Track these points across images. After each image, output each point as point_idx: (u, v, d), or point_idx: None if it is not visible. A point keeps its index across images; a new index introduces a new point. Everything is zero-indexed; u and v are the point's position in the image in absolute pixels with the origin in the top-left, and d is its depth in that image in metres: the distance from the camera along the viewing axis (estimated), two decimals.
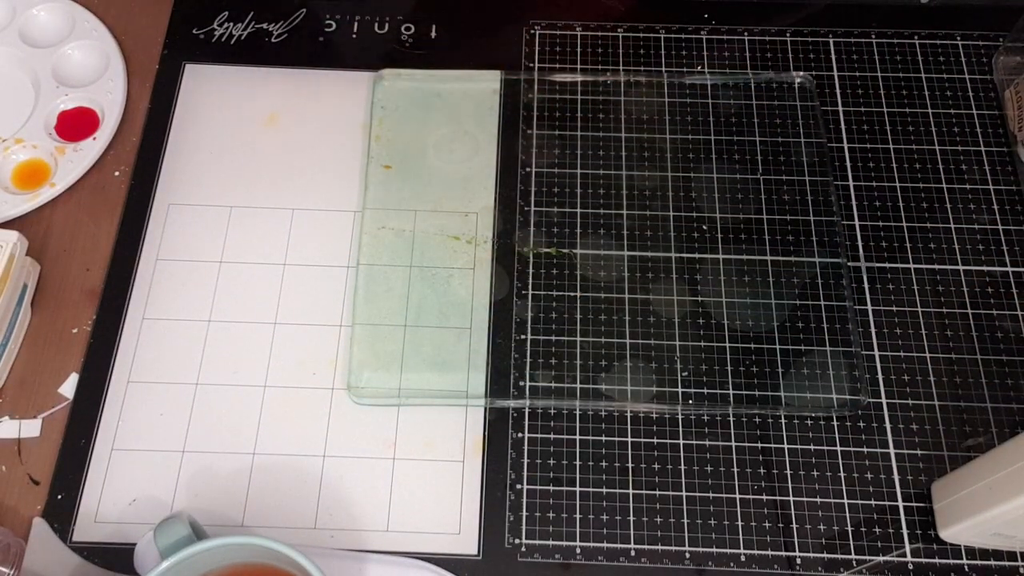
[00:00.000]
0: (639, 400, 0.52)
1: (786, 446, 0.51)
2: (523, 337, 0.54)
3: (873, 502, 0.50)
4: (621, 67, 0.63)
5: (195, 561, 0.42)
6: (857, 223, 0.58)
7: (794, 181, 0.59)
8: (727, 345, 0.54)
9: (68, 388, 0.53)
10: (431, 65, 0.63)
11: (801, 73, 0.62)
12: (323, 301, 0.55)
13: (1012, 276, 0.56)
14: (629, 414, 0.52)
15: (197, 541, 0.42)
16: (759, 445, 0.52)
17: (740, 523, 0.50)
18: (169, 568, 0.41)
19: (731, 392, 0.53)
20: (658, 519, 0.50)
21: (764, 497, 0.50)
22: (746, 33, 0.64)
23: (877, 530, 0.49)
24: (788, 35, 0.64)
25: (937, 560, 0.49)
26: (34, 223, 0.58)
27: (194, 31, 0.65)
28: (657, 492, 0.50)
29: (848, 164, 0.60)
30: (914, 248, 0.57)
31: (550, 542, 0.49)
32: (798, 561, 0.49)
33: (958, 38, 0.64)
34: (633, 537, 0.49)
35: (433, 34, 0.65)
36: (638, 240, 0.57)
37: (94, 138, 0.59)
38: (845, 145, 0.60)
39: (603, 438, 0.52)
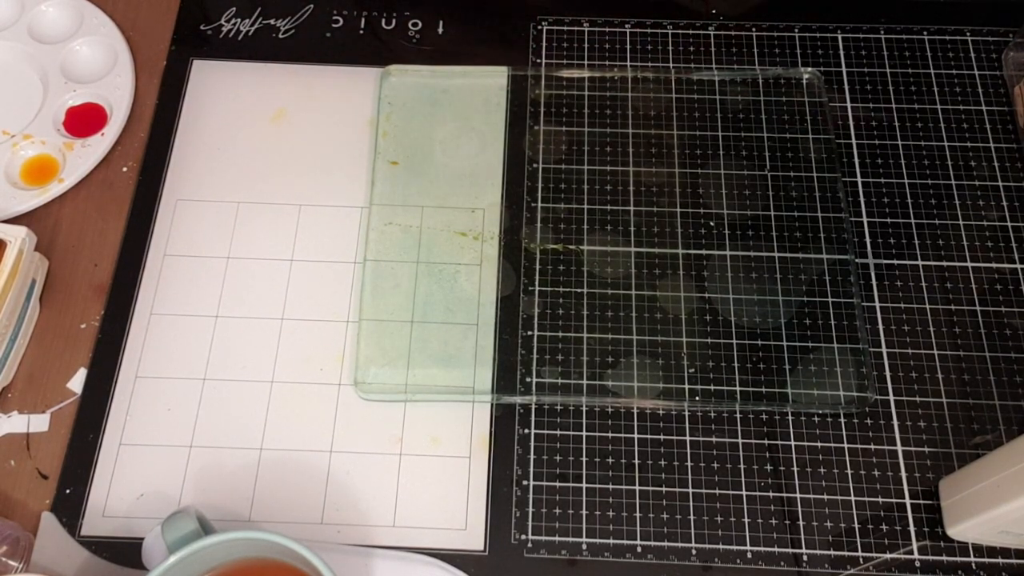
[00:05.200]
0: (646, 396, 0.52)
1: (793, 443, 0.51)
2: (530, 333, 0.54)
3: (880, 499, 0.50)
4: (628, 63, 0.63)
5: (202, 556, 0.42)
6: (865, 219, 0.57)
7: (802, 177, 0.59)
8: (734, 342, 0.54)
9: (76, 383, 0.53)
10: (438, 61, 0.63)
11: (809, 69, 0.62)
12: (330, 297, 0.55)
13: (1021, 273, 0.56)
14: (636, 410, 0.52)
15: (204, 536, 0.42)
16: (766, 442, 0.51)
17: (747, 520, 0.50)
18: (176, 563, 0.41)
19: (738, 389, 0.53)
20: (664, 515, 0.50)
21: (771, 494, 0.50)
22: (754, 29, 0.64)
23: (884, 527, 0.49)
24: (796, 31, 0.64)
25: (944, 558, 0.49)
26: (42, 218, 0.58)
27: (201, 27, 0.65)
28: (663, 488, 0.50)
29: (856, 160, 0.59)
30: (922, 244, 0.57)
31: (556, 538, 0.49)
32: (805, 558, 0.49)
33: (967, 34, 0.64)
34: (639, 533, 0.49)
35: (440, 30, 0.65)
36: (645, 236, 0.57)
37: (102, 134, 0.60)
38: (853, 141, 0.60)
39: (610, 434, 0.52)
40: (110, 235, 0.58)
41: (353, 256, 0.57)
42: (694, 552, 0.49)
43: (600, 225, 0.57)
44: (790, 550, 0.49)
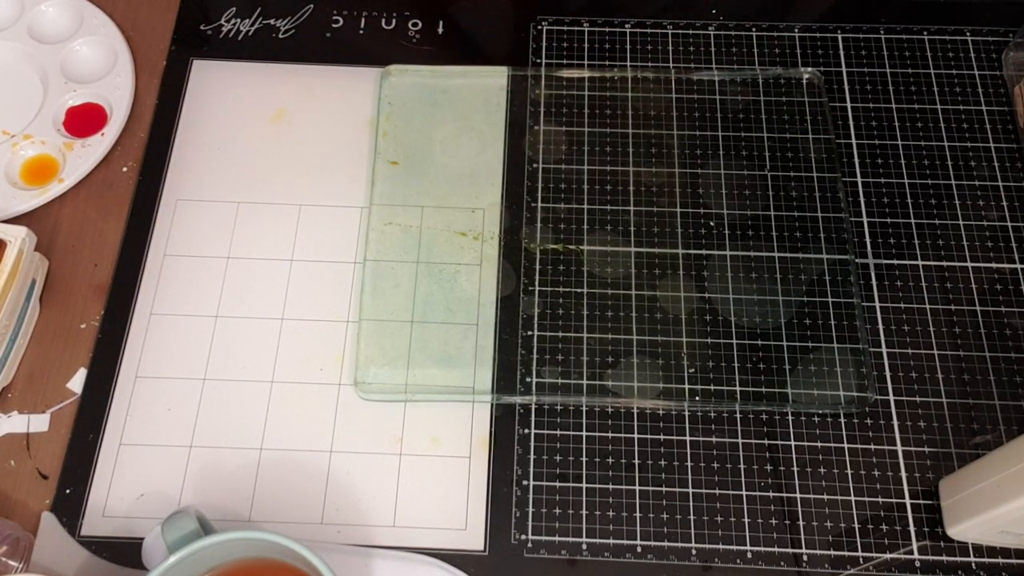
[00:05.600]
0: (646, 396, 0.52)
1: (793, 443, 0.51)
2: (530, 333, 0.54)
3: (880, 499, 0.50)
4: (628, 63, 0.63)
5: (203, 556, 0.42)
6: (865, 219, 0.57)
7: (802, 177, 0.59)
8: (734, 341, 0.54)
9: (76, 383, 0.53)
10: (438, 61, 0.63)
11: (809, 69, 0.62)
12: (330, 297, 0.55)
13: (1021, 273, 0.56)
14: (636, 410, 0.52)
15: (205, 536, 0.42)
16: (766, 442, 0.51)
17: (747, 520, 0.50)
18: (177, 563, 0.41)
19: (738, 389, 0.53)
20: (664, 515, 0.50)
21: (771, 494, 0.50)
22: (754, 29, 0.64)
23: (884, 527, 0.49)
24: (796, 31, 0.64)
25: (944, 558, 0.49)
26: (42, 218, 0.58)
27: (201, 27, 0.65)
28: (663, 488, 0.50)
29: (856, 160, 0.59)
30: (922, 244, 0.57)
31: (556, 538, 0.49)
32: (805, 558, 0.49)
33: (967, 34, 0.64)
34: (639, 533, 0.49)
35: (440, 30, 0.65)
36: (645, 236, 0.57)
37: (102, 134, 0.60)
38: (853, 141, 0.60)
39: (610, 434, 0.52)
40: (110, 235, 0.58)
41: (353, 256, 0.57)
42: (694, 552, 0.49)
43: (600, 225, 0.57)
44: (790, 550, 0.49)
